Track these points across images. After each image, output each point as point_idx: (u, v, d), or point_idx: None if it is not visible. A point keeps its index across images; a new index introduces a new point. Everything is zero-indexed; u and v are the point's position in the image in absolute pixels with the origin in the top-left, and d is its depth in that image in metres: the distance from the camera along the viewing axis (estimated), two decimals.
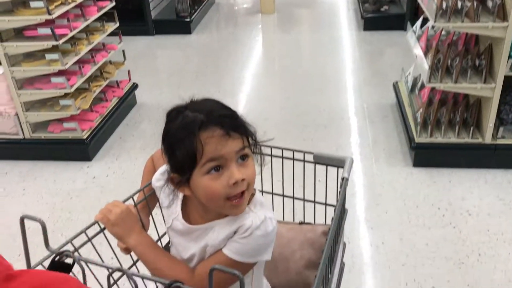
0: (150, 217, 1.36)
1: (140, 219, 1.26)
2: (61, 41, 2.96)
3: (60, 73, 3.08)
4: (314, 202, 1.61)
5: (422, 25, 3.47)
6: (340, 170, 1.47)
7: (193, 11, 6.02)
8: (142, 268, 1.20)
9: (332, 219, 1.25)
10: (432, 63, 2.87)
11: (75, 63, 3.16)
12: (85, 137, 3.26)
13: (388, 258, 2.42)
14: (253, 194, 1.15)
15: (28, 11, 2.92)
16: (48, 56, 3.02)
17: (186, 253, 1.18)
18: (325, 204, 1.59)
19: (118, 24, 3.76)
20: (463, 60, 2.86)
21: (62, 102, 3.16)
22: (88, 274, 1.00)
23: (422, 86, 3.37)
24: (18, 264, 0.77)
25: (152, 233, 1.27)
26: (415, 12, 5.28)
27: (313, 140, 3.49)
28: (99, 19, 3.52)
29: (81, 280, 0.88)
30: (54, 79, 3.08)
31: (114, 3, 3.71)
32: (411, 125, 3.21)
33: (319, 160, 1.50)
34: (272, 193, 1.65)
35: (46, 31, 2.94)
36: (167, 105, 1.10)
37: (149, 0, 5.72)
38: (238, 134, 1.05)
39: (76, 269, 0.98)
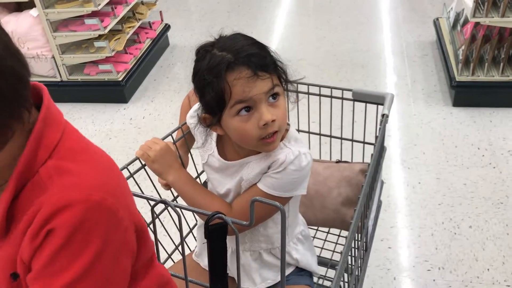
0: (189, 155, 1.37)
1: (179, 156, 1.28)
2: None
3: (93, 14, 3.07)
4: (352, 140, 1.59)
5: None
6: (380, 107, 1.44)
7: None
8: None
9: (372, 155, 1.24)
10: None
11: (108, 3, 3.14)
12: (120, 79, 3.28)
13: (425, 197, 2.40)
14: (287, 130, 1.14)
15: None
16: None
17: (222, 188, 1.19)
18: (363, 142, 1.57)
19: None
20: None
21: (97, 43, 3.17)
22: None
23: (465, 21, 3.21)
24: None
25: (191, 170, 1.28)
26: None
27: (349, 80, 3.42)
28: None
29: None
30: (88, 21, 3.07)
31: None
32: (452, 63, 3.09)
33: (358, 97, 1.47)
34: (309, 132, 1.64)
35: None
36: (199, 43, 1.08)
37: None
38: (267, 73, 1.02)
39: None
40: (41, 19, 3.07)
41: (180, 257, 1.24)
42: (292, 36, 4.19)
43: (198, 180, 1.38)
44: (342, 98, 1.50)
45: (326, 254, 1.68)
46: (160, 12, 3.94)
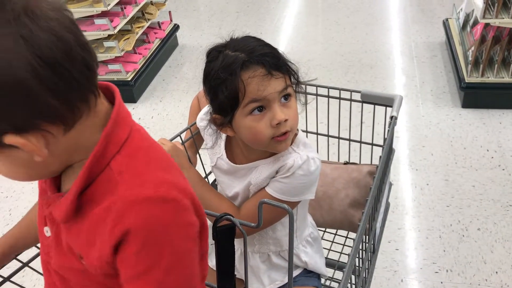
0: (198, 156, 1.38)
1: (188, 156, 1.28)
2: None
3: (103, 14, 3.09)
4: (360, 142, 1.59)
5: None
6: (388, 109, 1.44)
7: None
8: None
9: (380, 157, 1.24)
10: None
11: (117, 4, 3.16)
12: (129, 78, 3.30)
13: (433, 199, 2.40)
14: (296, 134, 1.14)
15: None
16: None
17: (230, 191, 1.20)
18: (372, 144, 1.56)
19: None
20: None
21: (106, 43, 3.19)
22: None
23: (475, 22, 3.19)
24: None
25: (199, 170, 1.29)
26: None
27: (357, 81, 3.41)
28: None
29: None
30: (98, 21, 3.09)
31: None
32: (461, 65, 3.08)
33: (367, 98, 1.47)
34: (317, 133, 1.64)
35: None
36: (208, 47, 1.08)
37: None
38: (280, 73, 1.02)
39: None
40: None
41: None
42: (300, 36, 4.19)
43: (206, 180, 1.38)
44: (351, 100, 1.50)
45: (334, 256, 1.68)
46: (169, 12, 3.95)
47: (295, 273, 1.28)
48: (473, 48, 2.98)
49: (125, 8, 3.22)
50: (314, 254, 1.30)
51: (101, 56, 3.26)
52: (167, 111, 3.27)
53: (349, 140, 1.60)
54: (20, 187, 2.67)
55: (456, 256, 2.11)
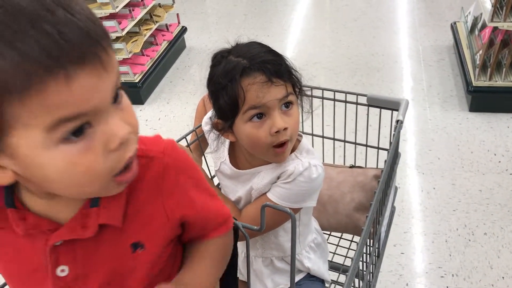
0: (203, 158, 1.38)
1: (193, 159, 1.29)
2: None
3: (111, 16, 3.11)
4: (366, 145, 1.59)
5: None
6: (394, 113, 1.44)
7: None
8: None
9: (385, 161, 1.23)
10: (496, 0, 2.68)
11: (125, 6, 3.18)
12: (137, 80, 3.32)
13: (439, 203, 2.39)
14: (299, 141, 1.14)
15: None
16: None
17: (233, 195, 1.20)
18: (377, 148, 1.56)
19: None
20: None
21: (114, 45, 3.20)
22: None
23: (483, 26, 3.18)
24: None
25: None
26: None
27: (364, 84, 3.40)
28: None
29: None
30: (106, 23, 3.11)
31: None
32: (469, 68, 3.06)
33: (373, 102, 1.46)
34: (323, 137, 1.64)
35: None
36: (216, 49, 1.09)
37: None
38: (281, 80, 1.02)
39: None
40: None
41: None
42: (307, 39, 4.19)
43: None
44: (357, 103, 1.50)
45: (339, 259, 1.68)
46: (177, 14, 3.97)
47: (299, 277, 1.28)
48: (481, 51, 2.97)
49: (133, 10, 3.23)
50: (318, 260, 1.30)
51: None
52: (174, 113, 3.28)
53: (355, 143, 1.60)
54: None
55: (462, 260, 2.10)
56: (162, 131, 3.09)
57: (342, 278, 1.66)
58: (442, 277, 2.04)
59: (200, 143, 1.35)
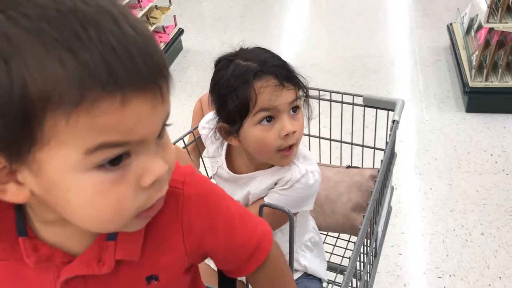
0: (201, 159, 1.38)
1: (191, 160, 1.29)
2: None
3: None
4: (363, 146, 1.59)
5: None
6: (390, 113, 1.44)
7: None
8: None
9: (382, 161, 1.24)
10: (491, 1, 2.70)
11: None
12: None
13: (436, 203, 2.39)
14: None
15: None
16: None
17: None
18: (374, 148, 1.57)
19: None
20: None
21: None
22: None
23: (479, 27, 3.19)
24: None
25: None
26: None
27: (361, 86, 3.41)
28: None
29: None
30: None
31: None
32: (465, 69, 3.08)
33: (369, 102, 1.47)
34: (320, 137, 1.64)
35: None
36: (213, 51, 1.09)
37: None
38: (291, 85, 1.03)
39: None
40: None
41: None
42: (304, 41, 4.20)
43: None
44: (353, 104, 1.51)
45: (336, 260, 1.68)
46: (174, 16, 3.97)
47: (296, 276, 1.28)
48: (477, 52, 2.98)
49: None
50: (314, 259, 1.30)
51: None
52: (171, 114, 3.26)
53: (352, 144, 1.61)
54: None
55: (460, 261, 2.10)
56: None
57: (340, 278, 1.66)
58: (439, 277, 2.04)
59: (197, 145, 1.35)
